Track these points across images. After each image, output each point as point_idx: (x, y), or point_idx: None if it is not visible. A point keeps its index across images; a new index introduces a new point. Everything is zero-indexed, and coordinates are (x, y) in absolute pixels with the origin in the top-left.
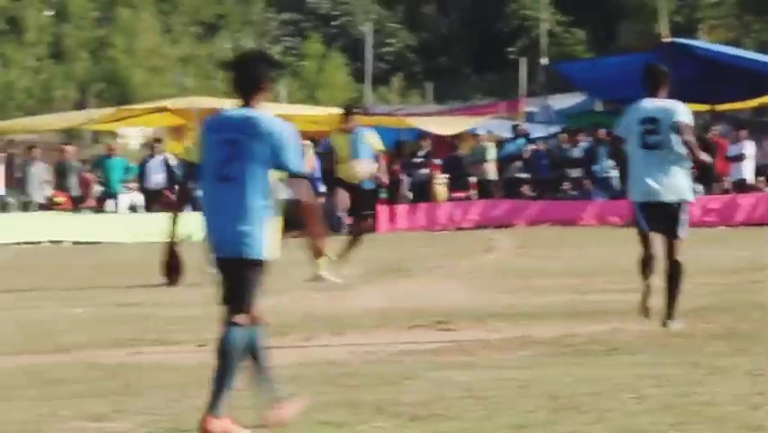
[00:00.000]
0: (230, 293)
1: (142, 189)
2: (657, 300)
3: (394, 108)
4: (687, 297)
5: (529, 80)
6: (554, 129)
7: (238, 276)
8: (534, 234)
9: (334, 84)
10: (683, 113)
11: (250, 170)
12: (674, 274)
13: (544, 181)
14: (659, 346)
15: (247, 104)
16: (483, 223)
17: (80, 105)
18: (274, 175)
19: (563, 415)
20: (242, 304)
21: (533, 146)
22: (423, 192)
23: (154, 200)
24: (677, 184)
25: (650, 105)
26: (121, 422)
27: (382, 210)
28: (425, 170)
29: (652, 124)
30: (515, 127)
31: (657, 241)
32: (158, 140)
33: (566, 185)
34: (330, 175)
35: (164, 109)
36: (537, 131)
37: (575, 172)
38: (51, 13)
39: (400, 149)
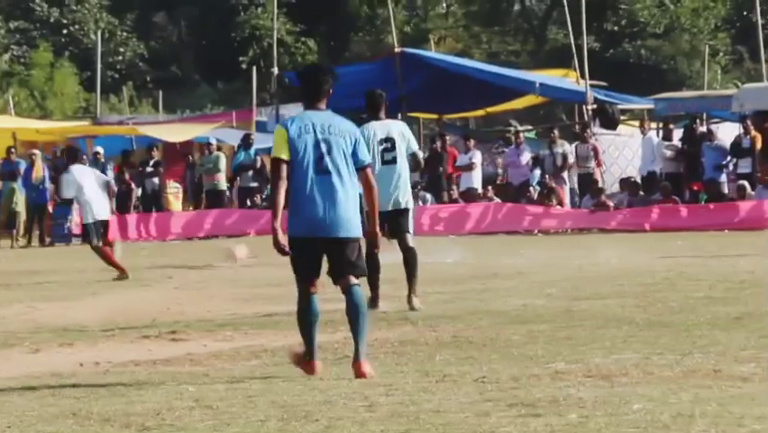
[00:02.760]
0: (339, 266)
1: None
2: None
3: (125, 117)
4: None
5: (261, 90)
6: None
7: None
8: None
9: (65, 93)
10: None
11: (343, 164)
12: (411, 261)
13: None
14: (389, 354)
15: (315, 107)
16: (215, 233)
17: None
18: None
19: (293, 424)
20: (357, 270)
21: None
22: (155, 202)
23: None
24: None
25: (380, 126)
26: None
27: (112, 220)
28: (156, 180)
29: (388, 142)
30: (246, 136)
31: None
32: None
33: None
34: None
35: None
36: (270, 141)
37: None
38: None
39: (128, 158)
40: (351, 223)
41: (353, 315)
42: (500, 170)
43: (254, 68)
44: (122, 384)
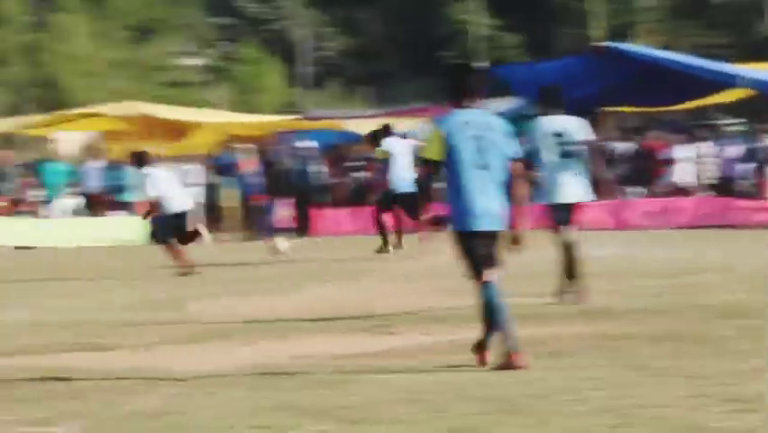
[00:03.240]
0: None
1: (82, 194)
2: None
3: (332, 112)
4: (624, 298)
5: None
6: None
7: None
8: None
9: (270, 89)
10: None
11: (496, 159)
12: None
13: None
14: (596, 349)
15: (465, 105)
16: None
17: (16, 110)
18: None
19: (505, 418)
20: (497, 264)
21: None
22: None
23: (94, 204)
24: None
25: (555, 120)
26: (62, 427)
27: (325, 214)
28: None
29: (562, 136)
30: None
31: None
32: (97, 145)
33: None
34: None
35: (101, 114)
36: None
37: None
38: None
39: (338, 152)
40: (500, 217)
41: (490, 311)
42: (708, 164)
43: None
44: (333, 377)
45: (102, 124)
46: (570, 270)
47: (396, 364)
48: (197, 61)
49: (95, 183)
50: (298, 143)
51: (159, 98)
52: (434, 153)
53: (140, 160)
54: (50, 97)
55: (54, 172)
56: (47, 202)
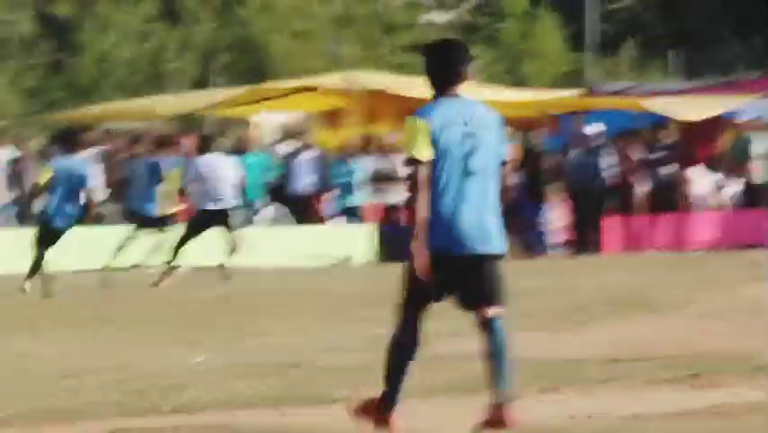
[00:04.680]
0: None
1: (287, 196)
2: None
3: (626, 86)
4: None
5: None
6: None
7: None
8: None
9: (545, 53)
10: None
11: (491, 163)
12: None
13: None
14: None
15: (452, 93)
16: (747, 241)
17: (201, 83)
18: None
19: None
20: (500, 298)
21: None
22: (666, 199)
23: (302, 210)
24: None
25: None
26: None
27: (610, 223)
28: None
29: None
30: None
31: None
32: (304, 130)
33: None
34: None
35: (313, 89)
36: None
37: None
38: None
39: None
40: (498, 236)
41: (494, 353)
42: None
43: None
44: None
45: (315, 102)
46: None
47: (716, 428)
48: (444, 17)
49: (304, 181)
50: (588, 129)
51: (392, 67)
52: (424, 152)
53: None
54: (247, 66)
55: (252, 167)
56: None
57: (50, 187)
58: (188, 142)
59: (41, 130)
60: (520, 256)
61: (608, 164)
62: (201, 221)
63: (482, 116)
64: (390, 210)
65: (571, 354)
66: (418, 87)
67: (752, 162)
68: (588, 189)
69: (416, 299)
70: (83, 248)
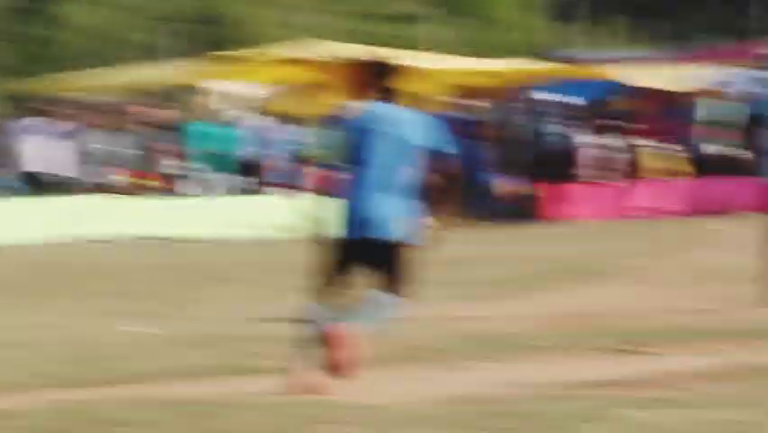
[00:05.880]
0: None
1: (239, 165)
2: None
3: (590, 55)
4: None
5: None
6: None
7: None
8: None
9: (503, 21)
10: None
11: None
12: None
13: None
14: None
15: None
16: (693, 211)
17: (152, 52)
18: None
19: None
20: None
21: None
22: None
23: (253, 180)
24: None
25: None
26: None
27: (554, 191)
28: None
29: None
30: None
31: None
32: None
33: None
34: None
35: (297, 60)
36: None
37: None
38: None
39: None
40: (399, 226)
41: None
42: None
43: None
44: (568, 413)
45: (295, 73)
46: None
47: (652, 398)
48: None
49: (256, 151)
50: (537, 95)
51: (362, 37)
52: (338, 156)
53: None
54: (221, 37)
55: (204, 137)
56: (193, 176)
57: None
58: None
59: None
60: (463, 225)
61: (553, 131)
62: None
63: (398, 117)
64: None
65: (508, 324)
66: (386, 57)
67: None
68: (530, 157)
69: (327, 274)
70: (24, 220)
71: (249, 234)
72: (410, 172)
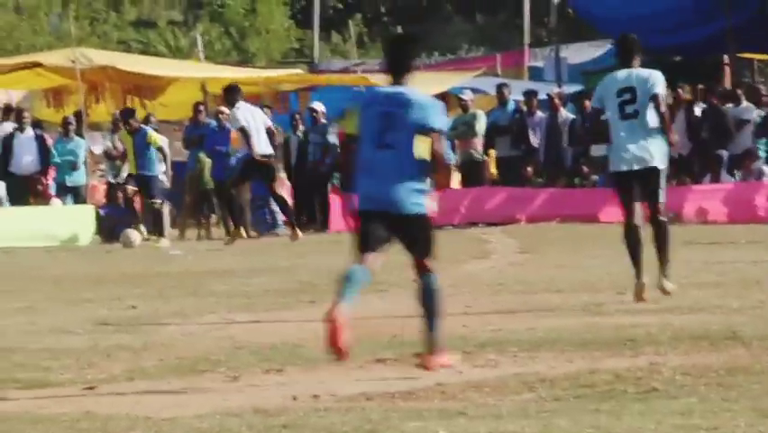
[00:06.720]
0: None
1: (8, 175)
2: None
3: (351, 63)
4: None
5: (537, 24)
6: (574, 89)
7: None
8: (541, 233)
9: (270, 31)
10: (660, 84)
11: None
12: (661, 236)
13: (552, 164)
14: (712, 386)
15: (399, 82)
16: (474, 219)
17: None
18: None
19: None
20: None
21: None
22: None
23: (23, 190)
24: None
25: (625, 75)
26: None
27: (337, 201)
28: None
29: (629, 93)
30: (499, 88)
31: (638, 209)
32: (20, 109)
33: (585, 169)
34: None
35: (38, 65)
36: (544, 92)
37: (599, 150)
38: None
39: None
40: (403, 200)
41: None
42: None
43: None
44: (347, 425)
45: (37, 79)
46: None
47: (435, 409)
48: None
49: (26, 160)
50: (315, 105)
51: (117, 44)
52: (351, 127)
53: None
54: None
55: None
56: None
57: None
58: None
59: None
60: (249, 235)
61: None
62: None
63: (402, 97)
64: (112, 189)
65: (296, 335)
66: (141, 63)
67: (477, 138)
68: (312, 167)
69: (358, 243)
70: None
71: (33, 245)
72: None
